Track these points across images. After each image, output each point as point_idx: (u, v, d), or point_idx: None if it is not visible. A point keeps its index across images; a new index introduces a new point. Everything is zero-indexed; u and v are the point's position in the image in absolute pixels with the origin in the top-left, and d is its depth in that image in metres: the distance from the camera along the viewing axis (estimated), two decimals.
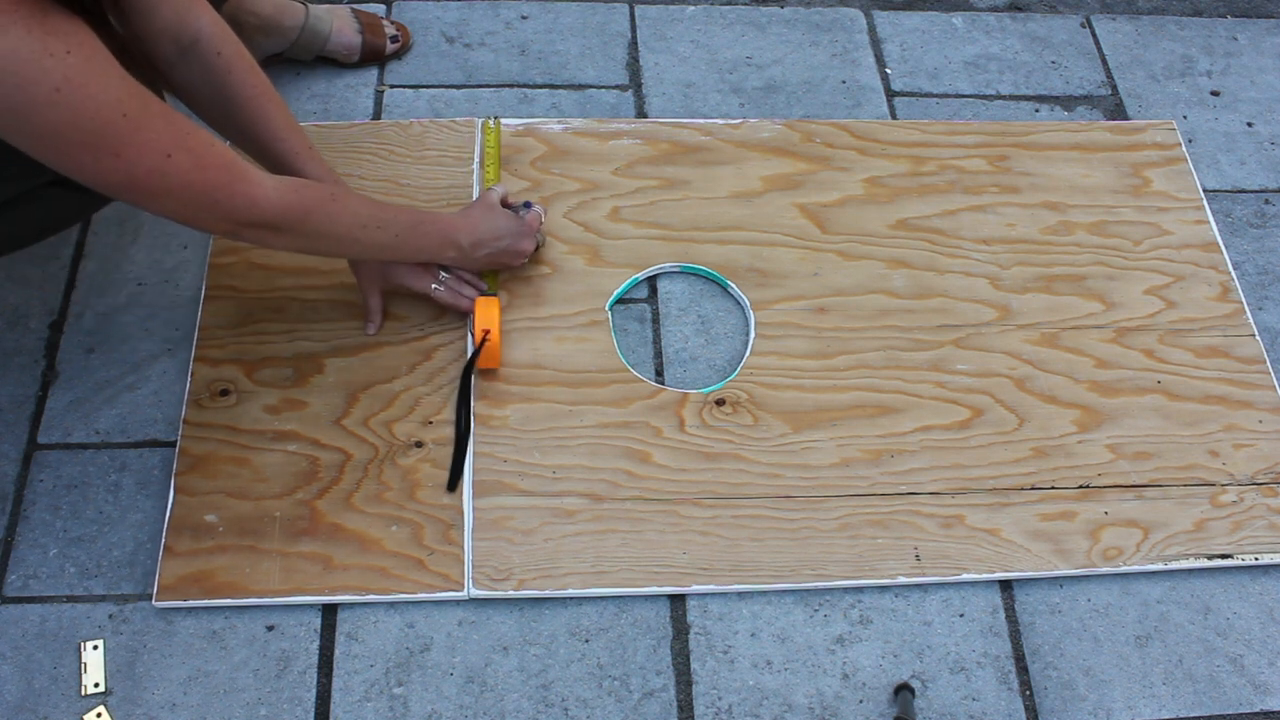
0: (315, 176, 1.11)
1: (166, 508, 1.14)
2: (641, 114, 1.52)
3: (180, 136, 0.88)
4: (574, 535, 1.16)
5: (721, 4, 1.67)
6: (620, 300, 1.34)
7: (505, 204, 1.26)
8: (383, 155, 1.41)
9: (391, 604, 1.12)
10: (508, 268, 1.29)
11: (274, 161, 1.11)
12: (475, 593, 1.12)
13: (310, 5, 1.46)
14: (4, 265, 1.30)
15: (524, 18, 1.62)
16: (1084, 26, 1.70)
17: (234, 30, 1.39)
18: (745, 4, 1.67)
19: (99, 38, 0.81)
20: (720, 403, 1.25)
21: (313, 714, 1.07)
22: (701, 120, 1.49)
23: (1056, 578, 1.19)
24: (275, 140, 1.10)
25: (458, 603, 1.13)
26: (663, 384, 1.28)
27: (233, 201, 0.94)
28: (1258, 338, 1.36)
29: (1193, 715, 1.12)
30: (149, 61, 1.01)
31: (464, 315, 1.26)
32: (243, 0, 1.35)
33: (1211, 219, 1.46)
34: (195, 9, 1.04)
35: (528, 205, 1.27)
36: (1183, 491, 1.24)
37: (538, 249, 1.30)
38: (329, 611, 1.12)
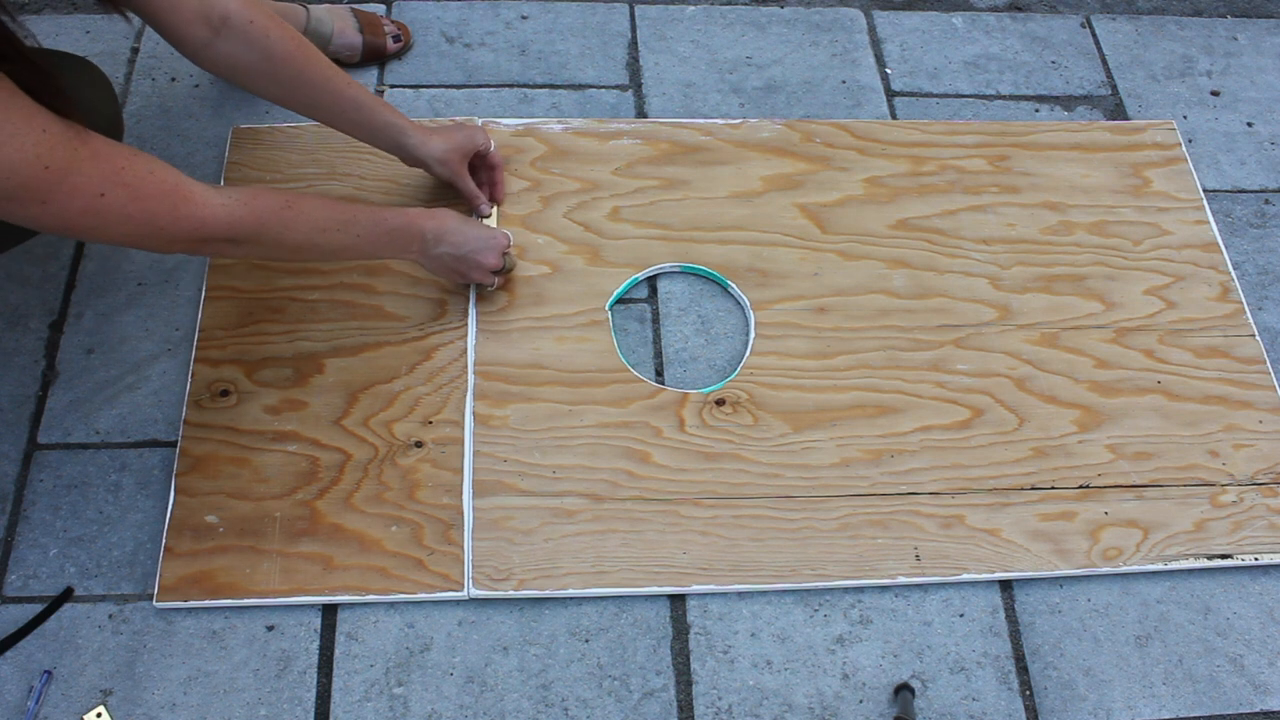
0: (372, 107, 1.21)
1: (167, 508, 1.14)
2: (641, 114, 1.52)
3: (114, 173, 0.88)
4: (574, 535, 1.16)
5: (721, 4, 1.67)
6: (620, 300, 1.34)
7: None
8: (383, 155, 1.40)
9: (391, 604, 1.12)
10: (467, 280, 1.26)
11: (332, 100, 1.18)
12: (475, 593, 1.12)
13: (311, 7, 1.46)
14: (4, 265, 1.31)
15: (524, 18, 1.62)
16: (1084, 26, 1.70)
17: None
18: (745, 4, 1.67)
19: (14, 85, 0.80)
20: (720, 403, 1.25)
21: (313, 714, 1.07)
22: (701, 120, 1.49)
23: (1056, 578, 1.19)
24: (328, 81, 1.16)
25: (458, 603, 1.13)
26: (663, 384, 1.28)
27: (177, 226, 0.94)
28: (1258, 338, 1.36)
29: (1193, 715, 1.12)
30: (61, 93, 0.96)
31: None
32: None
33: (1211, 219, 1.46)
34: None
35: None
36: (1183, 491, 1.24)
37: (508, 272, 1.28)
38: (329, 611, 1.12)
